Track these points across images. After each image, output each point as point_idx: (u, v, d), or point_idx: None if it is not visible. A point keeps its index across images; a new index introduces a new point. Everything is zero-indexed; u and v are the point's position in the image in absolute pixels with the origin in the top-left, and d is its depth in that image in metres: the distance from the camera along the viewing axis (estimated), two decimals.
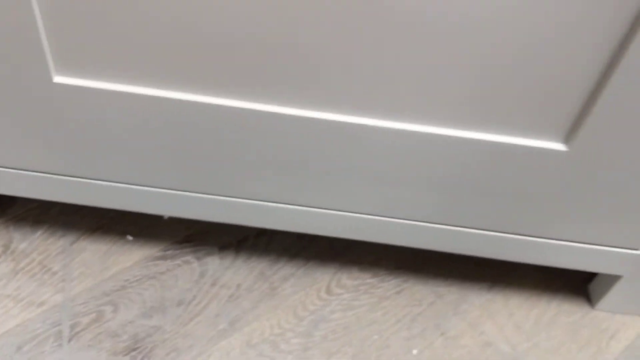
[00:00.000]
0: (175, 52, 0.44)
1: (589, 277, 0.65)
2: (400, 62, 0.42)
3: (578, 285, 0.65)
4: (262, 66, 0.44)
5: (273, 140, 0.49)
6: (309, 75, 0.44)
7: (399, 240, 0.57)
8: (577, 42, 0.40)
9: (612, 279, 0.60)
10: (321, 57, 0.43)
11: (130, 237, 0.64)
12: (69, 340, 0.56)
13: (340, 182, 0.52)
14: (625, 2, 0.38)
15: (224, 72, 0.44)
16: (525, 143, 0.46)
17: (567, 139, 0.46)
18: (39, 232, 0.63)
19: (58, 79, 0.46)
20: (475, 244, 0.56)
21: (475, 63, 0.42)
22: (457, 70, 0.42)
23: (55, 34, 0.43)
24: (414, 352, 0.59)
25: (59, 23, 0.42)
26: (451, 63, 0.42)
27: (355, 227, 0.56)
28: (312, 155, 0.50)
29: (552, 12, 0.39)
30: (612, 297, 0.61)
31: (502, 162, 0.48)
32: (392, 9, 0.39)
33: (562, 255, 0.56)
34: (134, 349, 0.56)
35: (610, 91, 0.42)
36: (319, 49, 0.42)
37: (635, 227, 0.53)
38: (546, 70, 0.42)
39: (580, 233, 0.54)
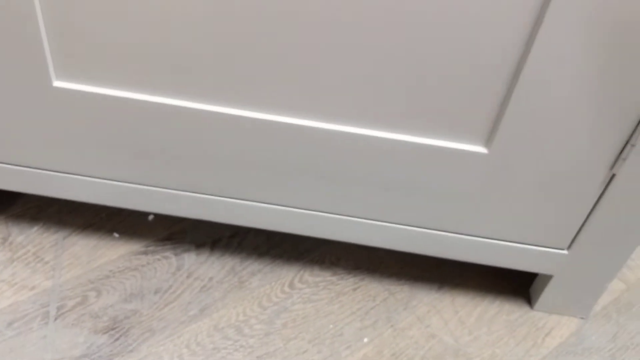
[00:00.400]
0: (160, 62, 0.52)
1: (532, 279, 0.71)
2: (336, 71, 0.51)
3: (521, 287, 0.71)
4: (222, 73, 0.52)
5: (239, 141, 0.57)
6: (265, 79, 0.52)
7: (349, 237, 0.64)
8: (486, 50, 0.48)
9: (546, 280, 0.67)
10: (257, 64, 0.51)
11: (116, 235, 0.71)
12: (55, 320, 0.63)
13: (298, 180, 0.59)
14: (526, 9, 0.46)
15: (200, 79, 0.53)
16: (451, 146, 0.54)
17: (487, 142, 0.54)
18: (35, 228, 0.71)
19: (58, 83, 0.55)
20: (419, 242, 0.63)
21: (403, 73, 0.50)
22: (388, 79, 0.51)
23: (56, 41, 0.52)
24: (365, 340, 0.65)
25: (60, 30, 0.51)
26: (382, 73, 0.50)
27: (311, 224, 0.63)
28: (271, 156, 0.57)
29: (462, 24, 0.47)
30: (547, 297, 0.68)
31: (432, 164, 0.56)
32: (328, 25, 0.48)
33: (496, 254, 0.63)
34: (113, 329, 0.63)
35: (518, 95, 0.50)
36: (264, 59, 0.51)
37: (560, 227, 0.60)
38: (463, 77, 0.50)
39: (510, 232, 0.61)
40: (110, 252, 0.70)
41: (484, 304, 0.69)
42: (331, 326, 0.65)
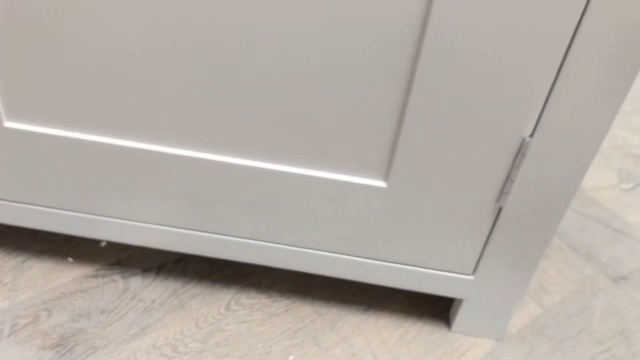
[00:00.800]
0: (92, 102, 0.59)
1: (452, 302, 0.77)
2: (242, 112, 0.58)
3: (442, 310, 0.77)
4: (146, 114, 0.59)
5: (170, 175, 0.63)
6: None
7: (280, 263, 0.70)
8: (371, 91, 0.55)
9: (459, 303, 0.72)
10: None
11: (71, 259, 0.78)
12: (8, 337, 0.69)
13: (226, 210, 0.66)
14: (403, 54, 0.53)
15: (128, 119, 0.60)
16: (354, 180, 0.61)
17: (386, 176, 0.60)
18: None
19: (8, 124, 0.62)
20: (340, 267, 0.69)
21: (302, 113, 0.57)
22: (290, 119, 0.58)
23: (5, 85, 0.59)
24: (290, 357, 0.70)
25: (7, 76, 0.58)
26: (284, 114, 0.57)
27: (248, 252, 0.69)
28: (200, 190, 0.64)
29: (347, 66, 0.54)
30: (462, 319, 0.73)
31: (340, 197, 0.62)
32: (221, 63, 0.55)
33: (410, 279, 0.69)
34: (59, 345, 0.69)
35: (407, 132, 0.57)
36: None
37: (463, 254, 0.66)
38: (355, 115, 0.57)
39: (420, 258, 0.67)
40: (64, 275, 0.76)
41: (406, 326, 0.75)
42: (260, 345, 0.71)
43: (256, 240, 0.68)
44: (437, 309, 0.77)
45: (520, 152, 0.56)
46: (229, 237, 0.68)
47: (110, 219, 0.69)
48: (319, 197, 0.62)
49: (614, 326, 0.78)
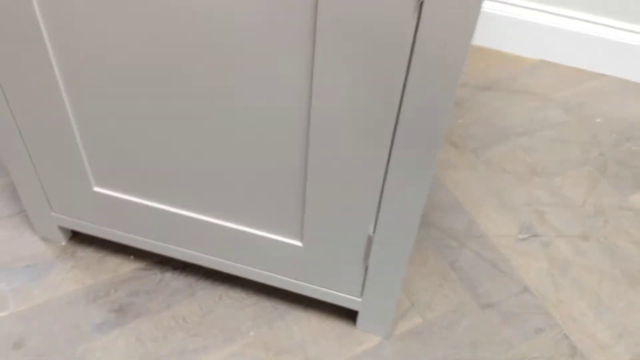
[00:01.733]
0: (164, 177, 1.05)
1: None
2: (192, 176, 1.01)
3: (354, 314, 1.19)
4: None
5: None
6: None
7: (246, 275, 1.15)
8: (279, 160, 0.97)
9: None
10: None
11: (132, 257, 1.27)
12: (93, 302, 1.19)
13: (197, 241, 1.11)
14: (302, 130, 0.95)
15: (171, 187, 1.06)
16: (277, 238, 1.03)
17: (302, 236, 1.03)
18: (92, 250, 1.27)
19: (97, 188, 1.09)
20: (277, 281, 1.13)
21: (226, 179, 1.00)
22: (222, 184, 1.01)
23: (93, 157, 1.06)
24: (251, 333, 1.16)
25: (95, 149, 1.05)
26: (218, 179, 1.01)
27: (225, 265, 1.14)
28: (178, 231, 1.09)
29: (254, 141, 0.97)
30: (360, 321, 1.15)
31: (265, 252, 1.05)
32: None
33: (324, 295, 1.12)
34: (119, 311, 1.18)
35: (311, 197, 0.99)
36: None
37: (357, 286, 1.08)
38: (269, 183, 0.99)
39: (329, 284, 1.09)
40: (126, 268, 1.25)
41: (328, 321, 1.18)
42: (234, 322, 1.17)
43: (217, 257, 1.13)
44: (352, 312, 1.20)
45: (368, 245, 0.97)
46: (206, 255, 1.14)
47: (159, 243, 1.16)
48: (250, 248, 1.06)
49: (468, 338, 1.17)
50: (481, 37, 1.78)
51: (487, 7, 1.71)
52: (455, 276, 1.27)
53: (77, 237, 1.29)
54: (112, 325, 1.16)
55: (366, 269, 1.03)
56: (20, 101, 0.97)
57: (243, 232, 1.05)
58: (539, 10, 1.69)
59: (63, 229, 1.25)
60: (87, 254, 1.27)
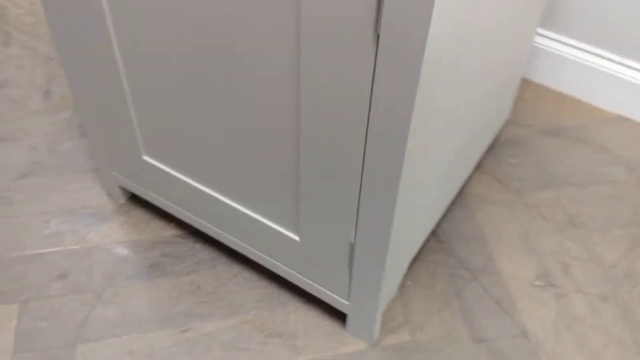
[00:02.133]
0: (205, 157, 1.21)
1: None
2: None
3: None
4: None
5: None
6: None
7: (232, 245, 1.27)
8: (274, 156, 1.08)
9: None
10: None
11: (173, 224, 1.44)
12: (134, 254, 1.38)
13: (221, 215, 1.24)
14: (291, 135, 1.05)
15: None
16: (279, 229, 1.14)
17: (299, 232, 1.13)
18: (149, 217, 1.47)
19: (146, 157, 1.27)
20: (271, 265, 1.24)
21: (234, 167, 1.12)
22: (235, 170, 1.13)
23: (144, 129, 1.24)
24: (252, 312, 1.28)
25: (145, 123, 1.23)
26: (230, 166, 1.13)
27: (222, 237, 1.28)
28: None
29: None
30: (349, 324, 1.23)
31: (271, 241, 1.16)
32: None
33: (314, 290, 1.21)
34: (152, 266, 1.35)
35: (303, 194, 1.09)
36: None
37: (344, 288, 1.16)
38: (272, 175, 1.10)
39: (319, 280, 1.19)
40: (166, 232, 1.42)
41: (323, 317, 1.27)
42: (241, 299, 1.30)
43: (234, 238, 1.26)
44: (344, 314, 1.28)
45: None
46: (225, 234, 1.27)
47: (192, 216, 1.32)
48: (250, 229, 1.18)
49: None
50: (560, 82, 1.77)
51: (575, 55, 1.70)
52: (456, 305, 1.31)
53: (134, 199, 1.49)
54: (140, 277, 1.34)
55: (350, 274, 1.11)
56: (83, 77, 1.17)
57: (256, 220, 1.18)
58: (627, 67, 1.65)
59: (123, 189, 1.45)
60: (139, 214, 1.46)
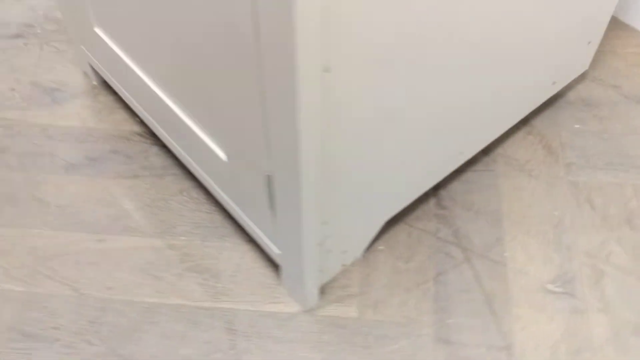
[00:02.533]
0: None
1: None
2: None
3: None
4: None
5: None
6: None
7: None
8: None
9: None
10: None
11: (138, 119, 1.24)
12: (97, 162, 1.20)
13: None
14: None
15: None
16: (208, 143, 0.89)
17: (226, 149, 0.87)
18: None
19: (96, 29, 1.06)
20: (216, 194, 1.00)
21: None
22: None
23: None
24: (182, 238, 1.06)
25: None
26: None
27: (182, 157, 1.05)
28: None
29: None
30: (283, 279, 0.97)
31: (203, 154, 0.92)
32: None
33: (248, 229, 0.96)
34: (136, 177, 1.17)
35: (219, 106, 0.83)
36: None
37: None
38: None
39: (254, 218, 0.94)
40: (134, 127, 1.22)
41: (260, 264, 1.02)
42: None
43: (178, 145, 1.03)
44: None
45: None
46: (170, 141, 1.04)
47: (146, 114, 1.10)
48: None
49: None
50: None
51: None
52: (432, 289, 1.00)
53: (106, 84, 1.30)
54: (79, 169, 1.16)
55: (275, 214, 0.85)
56: None
57: (191, 131, 0.94)
58: None
59: (94, 71, 1.26)
60: (106, 101, 1.27)
